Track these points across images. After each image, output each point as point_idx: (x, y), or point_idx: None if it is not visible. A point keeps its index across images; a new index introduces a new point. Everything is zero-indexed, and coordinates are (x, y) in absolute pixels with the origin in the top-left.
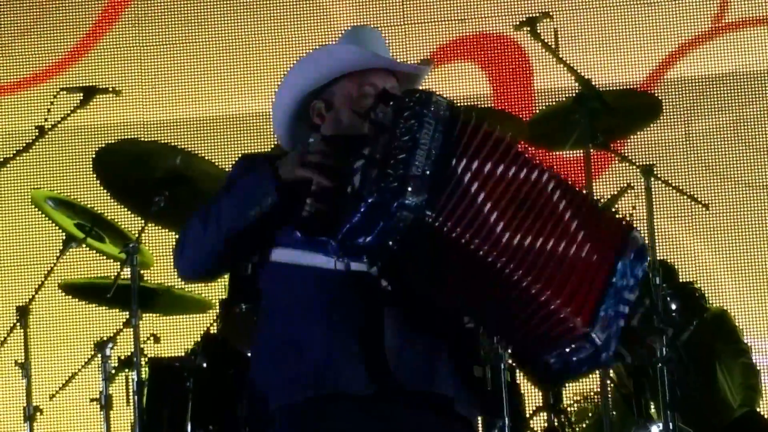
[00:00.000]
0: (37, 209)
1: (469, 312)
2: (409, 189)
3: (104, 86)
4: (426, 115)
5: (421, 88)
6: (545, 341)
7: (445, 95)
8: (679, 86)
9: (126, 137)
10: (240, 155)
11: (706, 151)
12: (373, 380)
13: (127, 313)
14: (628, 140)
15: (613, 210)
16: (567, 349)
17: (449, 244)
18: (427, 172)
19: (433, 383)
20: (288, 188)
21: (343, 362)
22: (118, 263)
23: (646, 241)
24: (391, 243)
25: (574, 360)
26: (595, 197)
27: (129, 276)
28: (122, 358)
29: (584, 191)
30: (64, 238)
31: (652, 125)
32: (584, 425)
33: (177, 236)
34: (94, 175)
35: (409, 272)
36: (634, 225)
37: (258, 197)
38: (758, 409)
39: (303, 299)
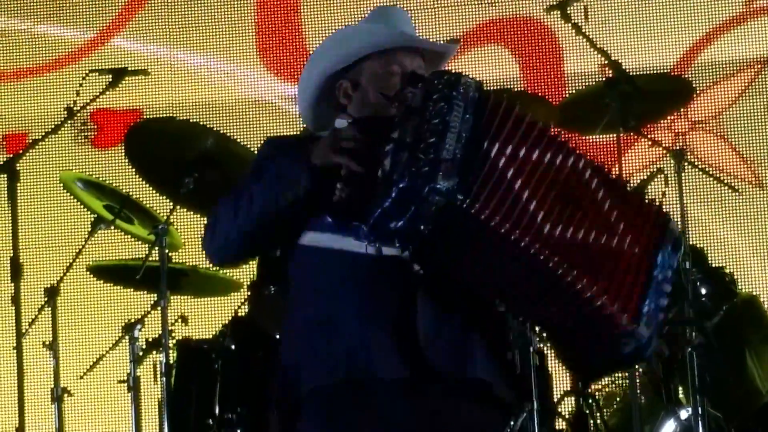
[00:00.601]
0: (66, 191)
1: (505, 301)
2: (440, 173)
3: (134, 68)
4: (455, 98)
5: (449, 70)
6: (592, 336)
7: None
8: (710, 70)
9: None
10: (266, 138)
11: (736, 135)
12: (406, 364)
13: (156, 294)
14: (659, 125)
15: (648, 197)
16: (614, 345)
17: (485, 230)
18: (458, 156)
19: (466, 368)
20: (320, 173)
21: (375, 346)
22: (147, 245)
23: (679, 228)
24: (422, 227)
25: (621, 355)
26: (628, 183)
27: (158, 258)
28: (150, 339)
29: (619, 178)
30: (93, 219)
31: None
32: (612, 410)
33: (206, 220)
34: (124, 157)
35: (441, 257)
36: (667, 212)
37: (291, 182)
38: None
39: (334, 282)
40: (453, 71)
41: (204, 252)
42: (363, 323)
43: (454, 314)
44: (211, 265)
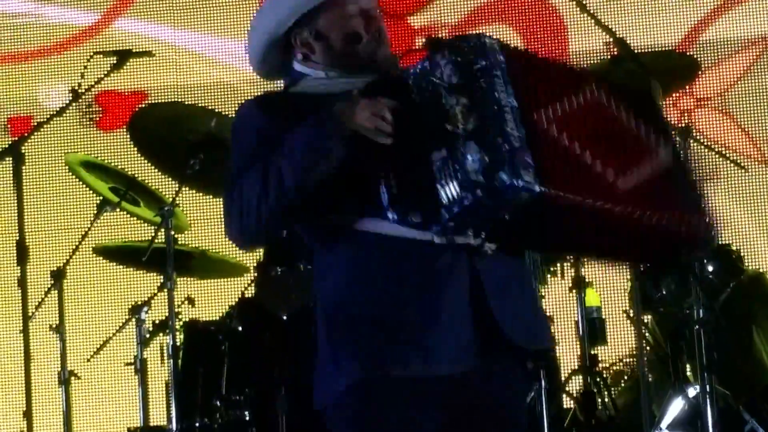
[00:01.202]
0: (71, 173)
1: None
2: (521, 167)
3: (138, 49)
4: (491, 68)
5: (469, 33)
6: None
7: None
8: (715, 48)
9: (160, 101)
10: (246, 101)
11: (742, 112)
12: (463, 362)
13: (162, 276)
14: (665, 102)
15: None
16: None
17: (562, 206)
18: (523, 139)
19: (536, 342)
20: (355, 139)
21: (435, 342)
22: (153, 227)
23: None
24: (503, 217)
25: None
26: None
27: (164, 239)
28: (157, 322)
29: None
30: (98, 201)
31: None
32: (620, 388)
33: (226, 207)
34: (129, 139)
35: (517, 235)
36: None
37: (324, 154)
38: None
39: (396, 272)
40: (473, 33)
41: (230, 238)
42: (426, 315)
43: (523, 290)
44: (237, 248)
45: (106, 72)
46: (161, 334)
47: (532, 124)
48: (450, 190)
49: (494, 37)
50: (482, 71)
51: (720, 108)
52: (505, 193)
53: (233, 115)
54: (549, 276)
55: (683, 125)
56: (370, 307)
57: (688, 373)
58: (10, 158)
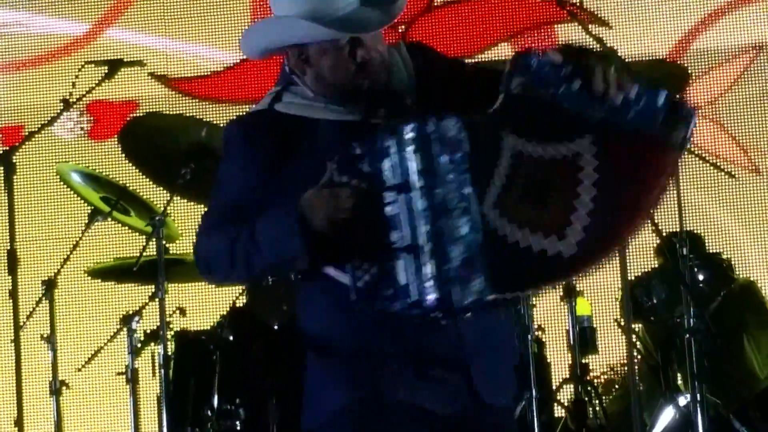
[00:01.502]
0: (62, 183)
1: None
2: (469, 284)
3: (129, 59)
4: (449, 165)
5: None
6: None
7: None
8: (705, 56)
9: (151, 110)
10: (231, 124)
11: (732, 120)
12: (453, 401)
13: (153, 286)
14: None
15: None
16: None
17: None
18: (476, 241)
19: (505, 395)
20: (319, 239)
21: (423, 398)
22: (144, 236)
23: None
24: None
25: None
26: None
27: (155, 249)
28: (148, 331)
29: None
30: (90, 211)
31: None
32: (611, 397)
33: (198, 247)
34: (120, 148)
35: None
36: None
37: (287, 258)
38: None
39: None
40: (435, 116)
41: (199, 272)
42: (410, 360)
43: (496, 343)
44: None
45: (97, 81)
46: (152, 344)
47: (486, 218)
48: (407, 298)
49: (454, 118)
50: (442, 170)
51: (711, 117)
52: (457, 307)
53: (224, 123)
54: None
55: None
56: (353, 340)
57: (679, 382)
58: (2, 167)
